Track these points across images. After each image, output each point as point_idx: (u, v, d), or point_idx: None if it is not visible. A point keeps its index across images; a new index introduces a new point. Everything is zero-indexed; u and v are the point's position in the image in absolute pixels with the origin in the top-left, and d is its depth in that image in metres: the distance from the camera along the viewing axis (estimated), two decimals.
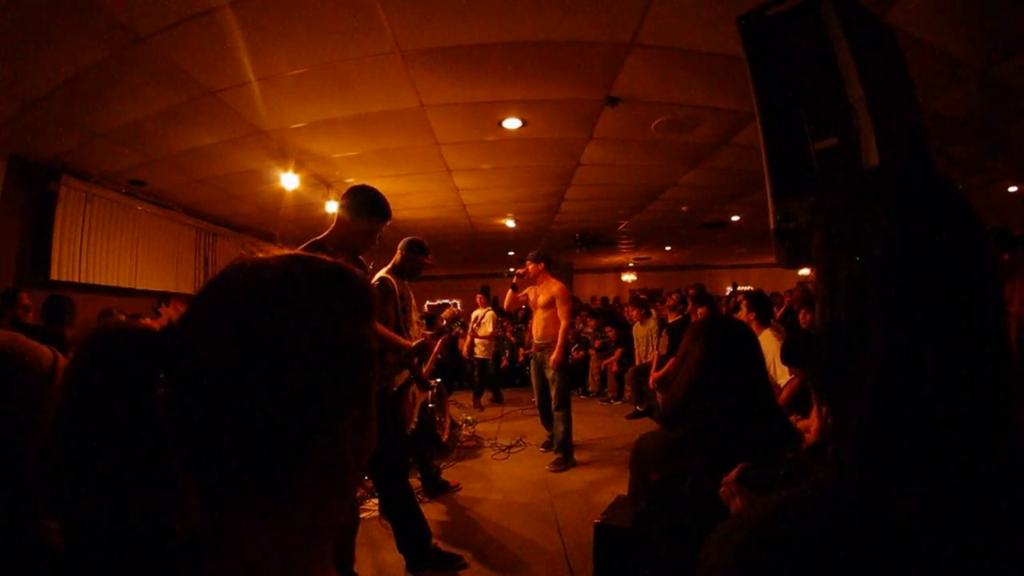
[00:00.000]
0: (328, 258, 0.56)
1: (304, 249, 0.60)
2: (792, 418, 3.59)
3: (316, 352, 0.49)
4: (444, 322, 8.32)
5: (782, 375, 3.80)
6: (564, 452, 4.86)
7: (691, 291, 7.39)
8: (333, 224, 2.63)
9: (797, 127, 1.90)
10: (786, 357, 3.48)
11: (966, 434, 0.50)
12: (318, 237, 2.59)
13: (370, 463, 2.32)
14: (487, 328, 8.03)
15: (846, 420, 0.56)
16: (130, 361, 0.46)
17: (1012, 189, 6.73)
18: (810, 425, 3.06)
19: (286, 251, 0.55)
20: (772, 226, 1.77)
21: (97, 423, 0.44)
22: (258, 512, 0.48)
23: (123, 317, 4.11)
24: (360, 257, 2.70)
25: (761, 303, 4.10)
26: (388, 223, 2.71)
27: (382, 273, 3.40)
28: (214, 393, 0.45)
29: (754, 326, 3.90)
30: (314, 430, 0.48)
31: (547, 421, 5.32)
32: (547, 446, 5.30)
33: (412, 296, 3.52)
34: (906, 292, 0.53)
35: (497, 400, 8.26)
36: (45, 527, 0.62)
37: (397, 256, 3.57)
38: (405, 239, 3.64)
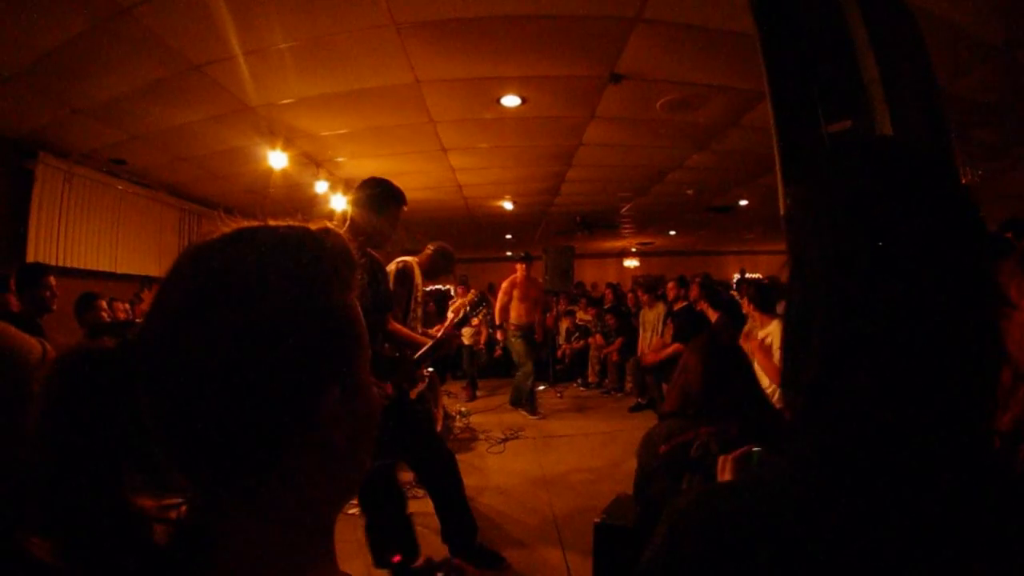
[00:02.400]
0: (278, 224, 0.53)
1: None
2: None
3: (272, 331, 0.45)
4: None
5: None
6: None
7: (697, 279, 7.20)
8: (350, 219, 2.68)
9: (810, 108, 1.87)
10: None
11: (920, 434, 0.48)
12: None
13: (419, 464, 2.73)
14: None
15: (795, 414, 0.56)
16: (92, 385, 0.46)
17: None
18: None
19: (239, 226, 0.53)
20: (782, 211, 1.73)
21: (72, 448, 0.44)
22: (253, 504, 0.46)
23: (103, 303, 4.04)
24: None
25: (762, 294, 3.92)
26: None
27: (407, 258, 3.33)
28: (184, 391, 0.44)
29: (759, 318, 3.78)
30: (290, 412, 0.46)
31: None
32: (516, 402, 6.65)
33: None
34: (851, 280, 0.50)
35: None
36: (28, 541, 0.57)
37: (427, 252, 3.87)
38: (440, 244, 3.98)
